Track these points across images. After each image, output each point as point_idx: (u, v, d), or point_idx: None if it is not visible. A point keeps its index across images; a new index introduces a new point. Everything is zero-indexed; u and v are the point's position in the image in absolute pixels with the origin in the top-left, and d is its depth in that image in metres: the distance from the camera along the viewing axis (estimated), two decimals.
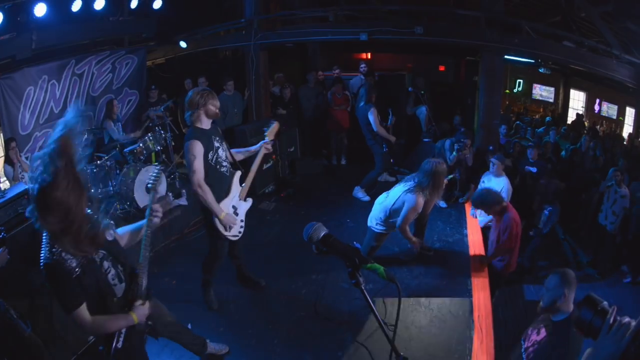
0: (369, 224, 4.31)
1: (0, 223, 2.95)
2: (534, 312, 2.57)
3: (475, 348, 3.37)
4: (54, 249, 1.89)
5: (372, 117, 5.73)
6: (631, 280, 5.94)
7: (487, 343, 3.44)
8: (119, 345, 2.14)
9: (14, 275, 2.94)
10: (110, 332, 2.11)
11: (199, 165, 3.19)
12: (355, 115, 7.42)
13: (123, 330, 2.15)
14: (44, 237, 1.92)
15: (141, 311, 2.19)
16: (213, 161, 3.33)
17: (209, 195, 3.26)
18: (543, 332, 2.51)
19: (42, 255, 1.91)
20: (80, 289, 1.95)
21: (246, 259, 4.06)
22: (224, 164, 3.46)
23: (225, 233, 3.49)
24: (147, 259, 2.26)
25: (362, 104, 5.89)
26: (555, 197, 6.10)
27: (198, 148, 3.18)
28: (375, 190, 6.22)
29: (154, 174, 2.47)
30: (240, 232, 3.64)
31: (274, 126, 3.76)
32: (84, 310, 1.97)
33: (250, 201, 3.72)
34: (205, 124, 3.33)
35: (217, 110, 3.35)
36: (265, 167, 6.31)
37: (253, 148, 3.65)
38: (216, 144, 3.37)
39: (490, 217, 4.69)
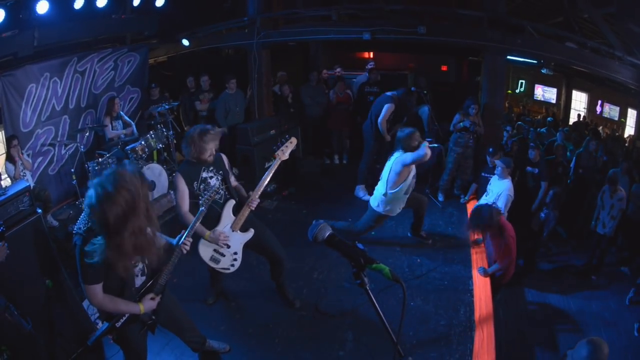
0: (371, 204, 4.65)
1: (1, 220, 2.94)
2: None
3: (476, 348, 3.38)
4: (93, 228, 2.01)
5: (385, 111, 5.68)
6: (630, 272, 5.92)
7: (487, 343, 3.44)
8: (118, 325, 2.34)
9: (15, 272, 2.93)
10: (114, 313, 2.30)
11: (178, 197, 3.29)
12: (355, 114, 7.46)
13: (126, 315, 2.35)
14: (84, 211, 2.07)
15: (149, 304, 2.40)
16: (200, 190, 3.31)
17: (188, 222, 3.17)
18: None
19: (78, 225, 2.09)
20: (103, 271, 2.09)
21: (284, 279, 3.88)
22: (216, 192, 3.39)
23: (213, 265, 3.44)
24: (171, 271, 2.53)
25: (389, 94, 5.83)
26: (554, 202, 6.09)
27: (179, 182, 3.27)
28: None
29: (209, 194, 2.83)
30: (233, 266, 3.47)
31: (290, 142, 3.59)
32: (98, 287, 2.14)
33: (251, 232, 3.49)
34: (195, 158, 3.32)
35: (202, 157, 3.26)
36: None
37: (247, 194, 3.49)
38: (205, 175, 3.34)
39: None
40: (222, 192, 3.38)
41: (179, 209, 3.29)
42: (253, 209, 3.41)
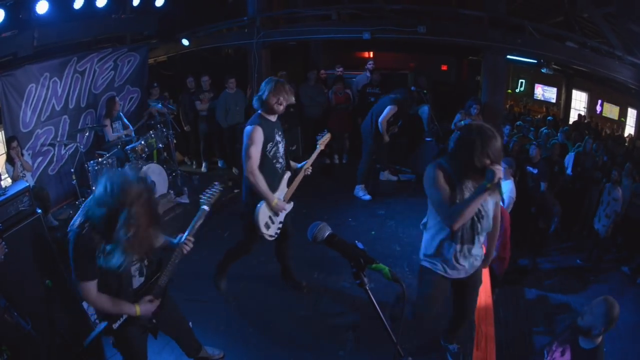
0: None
1: (1, 221, 2.94)
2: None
3: (476, 348, 3.37)
4: (86, 224, 1.97)
5: (387, 111, 5.63)
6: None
7: (487, 343, 3.44)
8: (115, 326, 2.25)
9: (15, 273, 2.93)
10: (109, 313, 2.21)
11: (254, 152, 3.15)
12: (356, 114, 7.45)
13: (124, 316, 2.26)
14: (83, 206, 2.04)
15: (147, 306, 2.30)
16: (270, 153, 3.31)
17: (261, 182, 3.22)
18: (567, 355, 2.53)
19: (73, 221, 2.03)
20: (97, 266, 2.02)
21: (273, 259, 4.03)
22: (281, 160, 3.43)
23: (264, 231, 3.47)
24: (172, 272, 2.45)
25: (392, 96, 5.77)
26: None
27: (258, 135, 3.14)
28: (377, 189, 6.22)
29: (212, 192, 2.55)
30: (276, 233, 3.59)
31: (327, 136, 3.78)
32: (92, 285, 2.07)
33: (292, 204, 3.64)
34: (272, 116, 3.31)
35: (279, 110, 3.28)
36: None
37: (299, 166, 3.63)
38: (277, 138, 3.35)
39: None
40: (283, 162, 3.48)
41: (251, 167, 3.13)
42: (309, 171, 3.58)
